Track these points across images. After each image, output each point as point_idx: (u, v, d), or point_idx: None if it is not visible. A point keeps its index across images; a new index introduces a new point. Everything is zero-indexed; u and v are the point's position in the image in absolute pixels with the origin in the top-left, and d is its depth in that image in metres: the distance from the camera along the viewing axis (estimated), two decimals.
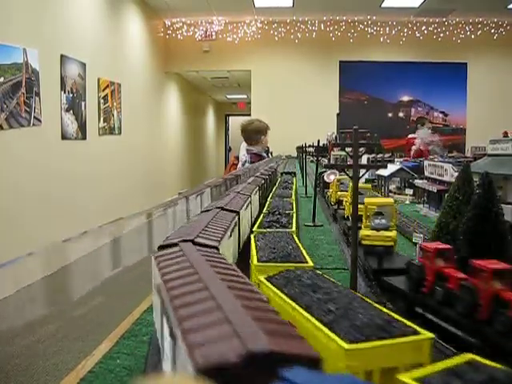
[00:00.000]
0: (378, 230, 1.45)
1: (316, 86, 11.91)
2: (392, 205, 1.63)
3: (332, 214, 2.71)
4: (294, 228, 1.45)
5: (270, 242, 1.19)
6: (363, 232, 1.49)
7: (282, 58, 11.95)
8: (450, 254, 1.07)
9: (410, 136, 8.96)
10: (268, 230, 1.42)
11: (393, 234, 1.45)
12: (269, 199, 2.20)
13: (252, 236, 1.29)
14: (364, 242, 1.46)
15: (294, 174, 4.04)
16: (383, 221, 1.47)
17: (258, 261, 1.01)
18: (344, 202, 2.33)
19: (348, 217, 2.08)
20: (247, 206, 1.58)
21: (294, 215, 1.71)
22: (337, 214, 2.51)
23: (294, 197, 2.37)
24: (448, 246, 1.10)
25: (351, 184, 2.02)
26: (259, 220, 1.60)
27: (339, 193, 2.61)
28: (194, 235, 0.88)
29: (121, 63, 9.08)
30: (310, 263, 0.97)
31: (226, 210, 1.32)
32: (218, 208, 1.31)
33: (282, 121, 11.02)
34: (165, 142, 12.08)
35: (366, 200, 1.63)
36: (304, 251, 1.08)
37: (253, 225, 1.64)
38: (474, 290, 0.92)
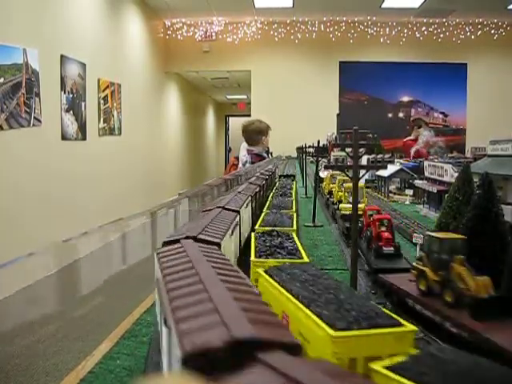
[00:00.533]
0: (351, 203, 2.28)
1: (316, 87, 11.91)
2: (363, 188, 2.53)
3: (325, 202, 3.29)
4: (305, 257, 1.15)
5: (314, 286, 0.79)
6: (342, 205, 2.40)
7: (282, 59, 11.95)
8: (377, 213, 1.77)
9: (406, 139, 8.98)
10: (271, 260, 1.10)
11: (362, 206, 1.98)
12: (264, 210, 1.92)
13: (264, 274, 0.90)
14: (343, 212, 2.32)
15: (294, 177, 3.88)
16: None
17: (337, 329, 0.63)
18: (333, 192, 3.00)
19: (336, 202, 2.79)
20: (233, 230, 1.23)
21: (295, 234, 1.44)
22: (328, 201, 3.14)
23: (294, 207, 2.09)
24: (376, 207, 1.90)
25: (338, 178, 2.90)
26: (253, 244, 1.27)
27: (331, 185, 3.17)
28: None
29: (121, 63, 9.08)
30: (411, 326, 0.66)
31: (201, 240, 0.93)
32: (189, 239, 0.91)
33: (282, 121, 11.01)
34: (165, 142, 12.08)
35: (345, 185, 2.66)
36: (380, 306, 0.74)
37: (242, 251, 1.35)
38: (371, 231, 1.66)
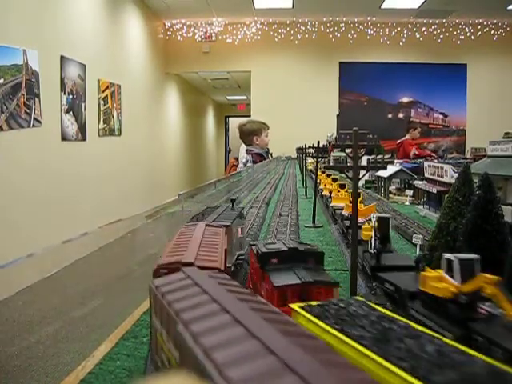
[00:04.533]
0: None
1: (316, 87, 11.92)
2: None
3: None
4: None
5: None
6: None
7: (281, 59, 11.96)
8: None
9: (399, 140, 8.99)
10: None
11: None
12: None
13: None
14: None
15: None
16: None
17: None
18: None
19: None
20: None
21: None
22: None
23: None
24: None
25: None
26: None
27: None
28: None
29: (121, 64, 9.08)
30: None
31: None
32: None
33: (282, 122, 11.02)
34: (165, 143, 12.08)
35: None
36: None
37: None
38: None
